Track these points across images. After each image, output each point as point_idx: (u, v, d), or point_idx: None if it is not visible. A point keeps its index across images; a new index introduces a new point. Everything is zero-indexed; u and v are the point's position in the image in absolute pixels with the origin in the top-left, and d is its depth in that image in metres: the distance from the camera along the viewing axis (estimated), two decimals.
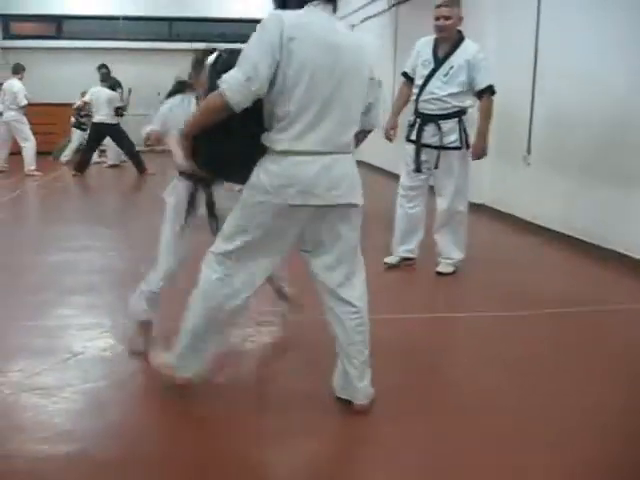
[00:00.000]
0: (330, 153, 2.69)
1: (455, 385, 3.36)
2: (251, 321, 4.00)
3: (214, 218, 3.38)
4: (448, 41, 4.99)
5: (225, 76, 2.55)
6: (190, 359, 2.94)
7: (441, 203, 5.23)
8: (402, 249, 5.37)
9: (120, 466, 2.55)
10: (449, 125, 4.99)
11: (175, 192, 3.50)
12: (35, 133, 11.52)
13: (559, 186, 6.61)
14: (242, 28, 15.22)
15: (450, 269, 5.23)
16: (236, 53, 2.63)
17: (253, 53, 2.56)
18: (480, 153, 5.11)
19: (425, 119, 5.04)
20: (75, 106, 12.25)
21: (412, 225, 5.30)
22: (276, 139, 2.67)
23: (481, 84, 4.95)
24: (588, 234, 6.07)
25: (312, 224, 2.78)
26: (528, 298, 4.71)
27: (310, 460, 2.69)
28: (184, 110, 3.33)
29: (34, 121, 13.07)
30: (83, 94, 11.91)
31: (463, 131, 5.02)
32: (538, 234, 6.75)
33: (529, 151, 7.19)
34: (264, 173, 2.68)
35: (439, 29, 4.98)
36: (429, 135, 5.04)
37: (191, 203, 3.43)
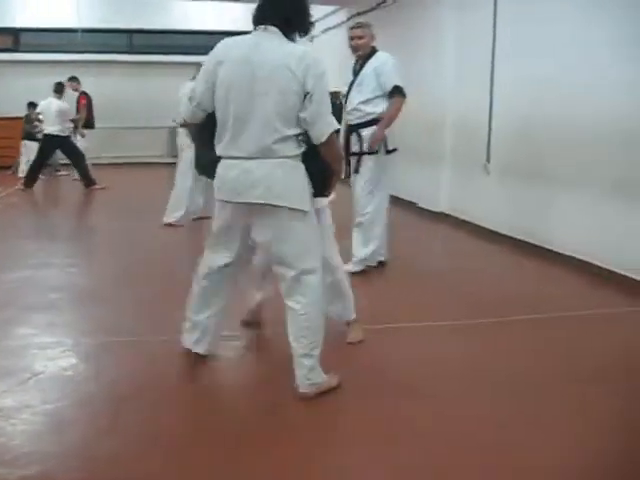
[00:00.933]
0: (251, 158, 3.05)
1: (411, 394, 3.39)
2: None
3: None
4: (362, 57, 5.46)
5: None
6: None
7: (355, 205, 5.54)
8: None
9: None
10: (367, 132, 5.35)
11: None
12: None
13: (519, 194, 6.72)
14: (202, 40, 15.35)
15: (357, 268, 5.40)
16: None
17: (197, 78, 3.22)
18: (375, 142, 5.35)
19: (349, 129, 5.45)
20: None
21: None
22: (217, 147, 3.18)
23: (388, 85, 5.33)
24: (548, 241, 6.17)
25: (251, 222, 3.18)
26: (486, 305, 4.76)
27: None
28: None
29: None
30: (30, 105, 11.72)
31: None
32: (498, 242, 6.85)
33: (489, 160, 7.29)
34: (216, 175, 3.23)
35: (354, 48, 5.48)
36: (353, 144, 5.43)
37: None
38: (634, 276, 5.13)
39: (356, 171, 5.44)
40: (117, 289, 5.16)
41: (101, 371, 3.71)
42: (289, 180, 3.10)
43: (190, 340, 3.56)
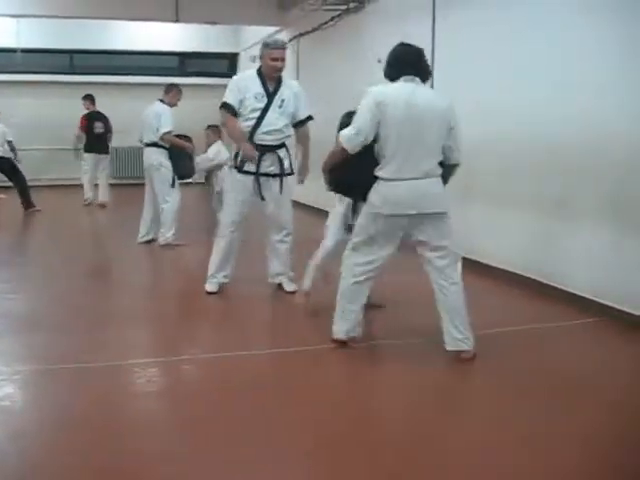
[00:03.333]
0: (415, 179, 3.91)
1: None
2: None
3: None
4: (275, 79, 5.37)
5: (343, 131, 4.00)
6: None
7: (280, 226, 5.62)
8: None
9: None
10: (283, 153, 5.46)
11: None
12: None
13: (480, 217, 6.59)
14: (145, 61, 15.27)
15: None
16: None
17: (360, 115, 3.93)
18: (306, 176, 5.59)
19: (263, 150, 5.34)
20: None
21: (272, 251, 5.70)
22: (382, 171, 3.95)
23: (305, 114, 5.52)
24: (512, 265, 6.13)
25: (412, 229, 4.00)
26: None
27: None
28: None
29: None
30: None
31: (290, 156, 5.53)
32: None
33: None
34: (375, 193, 3.99)
35: (277, 69, 5.32)
36: (267, 165, 5.39)
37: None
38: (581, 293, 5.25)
39: (281, 191, 5.46)
40: (56, 315, 5.06)
41: (38, 400, 3.64)
42: (441, 192, 4.04)
43: (342, 329, 4.22)
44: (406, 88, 3.95)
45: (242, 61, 14.90)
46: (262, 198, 5.42)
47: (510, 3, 6.02)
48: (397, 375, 3.94)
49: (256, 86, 5.33)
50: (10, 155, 11.18)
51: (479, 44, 6.40)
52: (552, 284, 5.48)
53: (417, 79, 4.00)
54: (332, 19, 9.82)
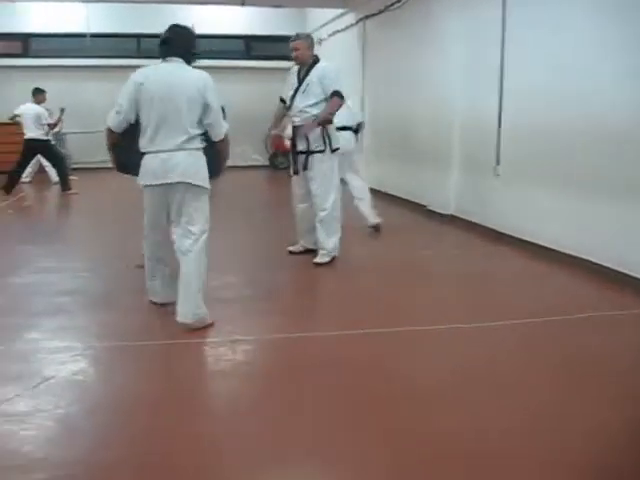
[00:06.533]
0: (166, 151, 4.14)
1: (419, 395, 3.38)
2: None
3: None
4: (305, 65, 5.97)
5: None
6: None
7: (314, 201, 6.03)
8: (302, 241, 6.39)
9: None
10: (313, 133, 5.85)
11: None
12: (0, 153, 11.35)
13: (528, 196, 6.69)
14: (211, 44, 15.36)
15: (327, 259, 5.98)
16: None
17: (120, 96, 4.24)
18: (308, 128, 5.84)
19: (295, 130, 6.00)
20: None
21: (306, 220, 6.21)
22: (141, 144, 4.23)
23: (330, 89, 5.84)
24: (558, 243, 6.15)
25: (170, 199, 4.22)
26: (498, 308, 4.74)
27: None
28: None
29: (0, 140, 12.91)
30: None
31: (327, 136, 5.86)
32: (507, 244, 6.82)
33: (498, 162, 7.27)
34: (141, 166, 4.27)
35: (295, 59, 5.98)
36: (299, 143, 5.96)
37: None
38: None
39: (304, 168, 5.94)
40: (128, 293, 5.15)
41: (111, 375, 3.72)
42: (195, 165, 4.25)
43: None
44: (164, 68, 4.28)
45: None
46: (295, 172, 6.07)
47: None
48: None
49: (293, 77, 6.05)
50: (47, 138, 11.40)
51: (549, 25, 6.26)
52: (625, 271, 5.33)
53: (180, 60, 4.29)
54: (399, 1, 9.70)
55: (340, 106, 5.87)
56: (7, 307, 4.85)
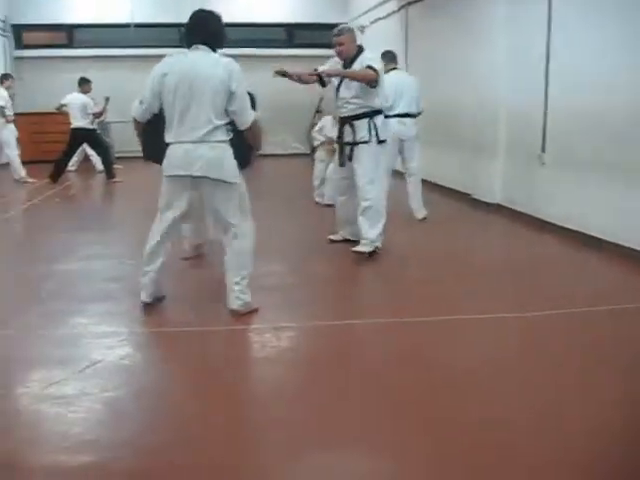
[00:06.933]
0: (190, 142, 4.08)
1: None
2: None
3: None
4: (350, 57, 5.83)
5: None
6: None
7: (358, 192, 5.91)
8: (341, 232, 6.39)
9: (139, 477, 2.56)
10: (359, 124, 5.76)
11: None
12: (47, 142, 11.49)
13: (574, 185, 6.57)
14: (253, 33, 15.39)
15: (368, 248, 5.79)
16: None
17: (145, 87, 4.25)
18: (329, 74, 5.79)
19: (342, 121, 5.92)
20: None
21: (347, 211, 6.17)
22: (165, 135, 4.19)
23: (367, 65, 5.67)
24: (604, 232, 6.03)
25: (200, 193, 4.21)
26: (543, 298, 4.68)
27: None
28: None
29: (46, 130, 13.07)
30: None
31: (373, 128, 5.73)
32: (553, 233, 6.72)
33: (544, 150, 7.15)
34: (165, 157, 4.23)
35: (337, 54, 5.87)
36: (346, 134, 5.87)
37: None
38: None
39: (350, 158, 5.87)
40: (173, 280, 5.19)
41: (157, 360, 3.76)
42: (220, 158, 4.15)
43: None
44: (189, 58, 4.19)
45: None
46: (341, 164, 5.99)
47: None
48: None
49: (338, 67, 5.88)
50: (93, 127, 11.52)
51: (597, 9, 6.12)
52: None
53: (205, 47, 4.20)
54: None
55: (370, 80, 5.58)
56: (55, 293, 4.93)
